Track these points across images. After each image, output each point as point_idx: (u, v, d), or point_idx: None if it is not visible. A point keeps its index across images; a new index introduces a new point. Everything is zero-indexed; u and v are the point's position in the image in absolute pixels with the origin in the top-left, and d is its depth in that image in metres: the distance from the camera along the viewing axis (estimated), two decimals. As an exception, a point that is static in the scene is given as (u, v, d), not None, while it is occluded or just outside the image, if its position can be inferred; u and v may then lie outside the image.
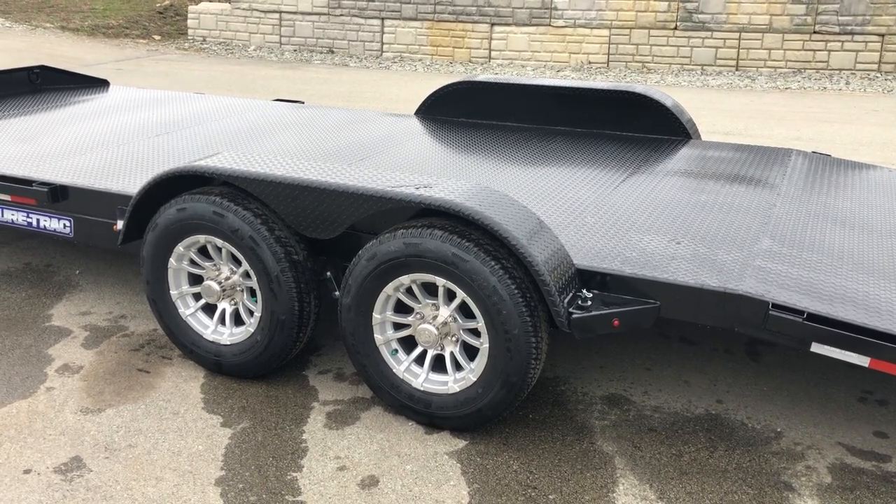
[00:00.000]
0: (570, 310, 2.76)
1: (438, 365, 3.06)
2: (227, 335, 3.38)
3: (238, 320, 3.40)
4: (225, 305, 3.39)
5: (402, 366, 3.07)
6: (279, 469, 2.86)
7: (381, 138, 4.72)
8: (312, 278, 3.22)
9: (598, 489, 2.76)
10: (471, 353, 2.99)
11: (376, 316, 3.04)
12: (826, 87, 11.37)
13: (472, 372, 2.94)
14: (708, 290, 2.74)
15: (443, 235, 2.82)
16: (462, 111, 5.26)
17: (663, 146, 4.62)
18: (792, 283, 2.82)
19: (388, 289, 2.99)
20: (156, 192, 3.38)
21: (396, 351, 3.09)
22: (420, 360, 3.08)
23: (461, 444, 3.00)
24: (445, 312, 2.96)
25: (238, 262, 3.29)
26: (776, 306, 2.65)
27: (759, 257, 3.00)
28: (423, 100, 5.41)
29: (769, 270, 2.89)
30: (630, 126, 4.85)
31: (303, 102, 6.00)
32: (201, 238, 3.28)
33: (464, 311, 2.94)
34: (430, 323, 2.97)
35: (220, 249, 3.30)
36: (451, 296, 2.93)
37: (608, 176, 4.02)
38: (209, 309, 3.45)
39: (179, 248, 3.34)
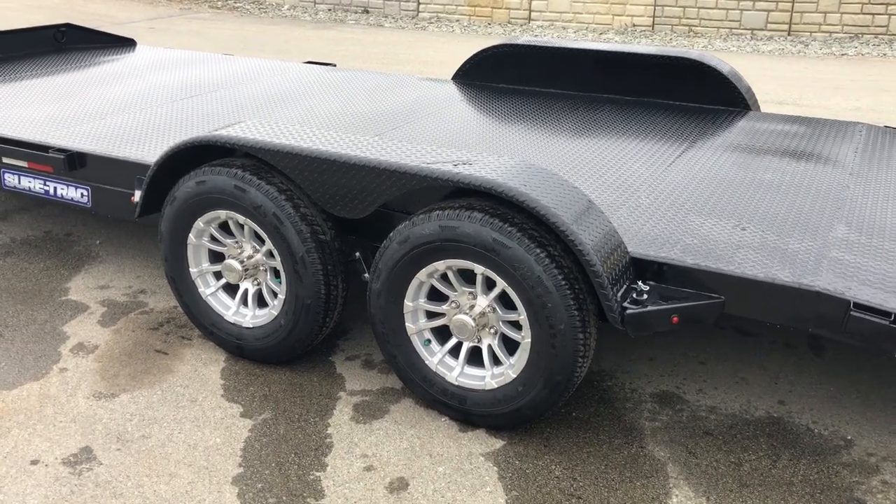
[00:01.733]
0: (624, 304, 2.49)
1: (474, 358, 2.82)
2: (250, 317, 3.16)
3: (261, 301, 3.18)
4: (247, 286, 3.17)
5: (436, 357, 2.83)
6: (301, 467, 2.64)
7: (416, 105, 4.44)
8: (340, 260, 2.97)
9: (649, 501, 2.50)
10: (510, 345, 2.74)
11: (408, 303, 2.79)
12: (886, 53, 10.78)
13: (512, 368, 2.68)
14: (780, 285, 2.44)
15: (483, 219, 2.55)
16: (502, 76, 4.95)
17: (721, 118, 4.28)
18: (874, 278, 2.51)
19: (422, 275, 2.73)
20: (174, 162, 3.15)
21: (429, 341, 2.85)
22: (454, 351, 2.84)
23: (498, 444, 2.76)
24: (483, 302, 2.70)
25: (261, 240, 3.05)
26: (858, 306, 2.35)
27: (834, 247, 2.69)
28: (461, 64, 5.11)
29: (848, 263, 2.58)
30: (684, 95, 4.51)
31: (335, 65, 5.73)
32: (222, 213, 3.05)
33: (504, 300, 2.68)
34: (467, 313, 2.72)
35: (242, 226, 3.07)
36: (490, 284, 2.67)
37: (662, 150, 3.71)
38: (231, 289, 3.23)
39: (199, 223, 3.11)
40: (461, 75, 5.10)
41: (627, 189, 3.21)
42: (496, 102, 4.56)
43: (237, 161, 3.03)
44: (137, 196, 3.34)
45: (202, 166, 3.07)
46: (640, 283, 2.57)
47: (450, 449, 2.73)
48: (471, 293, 2.72)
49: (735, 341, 3.44)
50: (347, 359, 3.27)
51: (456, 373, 2.81)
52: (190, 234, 3.15)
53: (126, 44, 6.21)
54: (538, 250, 2.50)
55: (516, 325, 2.68)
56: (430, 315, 2.83)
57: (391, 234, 2.75)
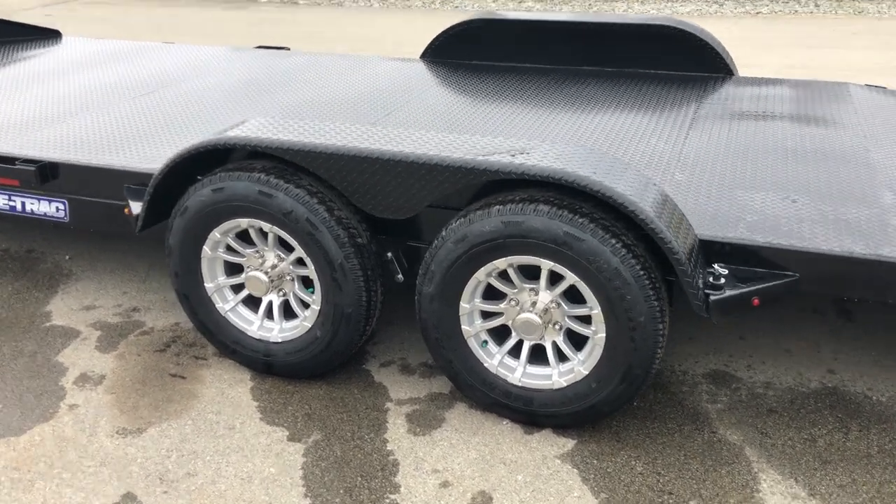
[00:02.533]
0: (706, 290, 2.40)
1: (535, 356, 2.68)
2: (277, 331, 2.93)
3: (287, 312, 2.95)
4: (272, 297, 2.93)
5: (495, 359, 2.68)
6: (372, 491, 2.46)
7: (397, 88, 4.22)
8: (377, 263, 2.77)
9: (740, 489, 2.44)
10: (574, 340, 2.61)
11: (464, 305, 2.62)
12: (796, 10, 11.11)
13: (583, 364, 2.56)
14: (858, 258, 2.40)
15: (550, 211, 2.40)
16: (476, 53, 4.77)
17: (710, 84, 4.25)
18: (942, 244, 2.50)
19: (480, 274, 2.57)
20: (180, 169, 2.87)
21: (486, 343, 2.70)
22: (513, 351, 2.69)
23: (569, 443, 2.65)
24: (547, 297, 2.57)
25: (288, 248, 2.82)
26: (942, 275, 2.33)
27: (892, 214, 2.67)
28: (430, 40, 4.90)
29: (912, 231, 2.56)
30: (667, 63, 4.45)
31: (288, 49, 5.42)
32: (243, 221, 2.79)
33: (568, 294, 2.55)
34: (530, 310, 2.57)
35: (264, 234, 2.82)
36: (554, 278, 2.53)
37: (670, 122, 3.63)
38: (251, 302, 2.98)
39: (215, 233, 2.85)
40: (430, 53, 4.90)
41: (658, 166, 3.11)
42: (479, 81, 4.38)
43: (258, 164, 2.77)
44: (135, 208, 3.03)
45: (216, 171, 2.80)
46: (716, 266, 2.48)
47: (522, 454, 2.60)
48: (532, 289, 2.58)
49: (764, 312, 3.42)
50: (382, 365, 3.08)
51: (518, 373, 2.67)
52: (204, 247, 2.88)
53: (51, 35, 5.70)
54: (613, 241, 2.37)
55: (583, 319, 2.55)
56: (486, 315, 2.68)
57: (444, 232, 2.57)
